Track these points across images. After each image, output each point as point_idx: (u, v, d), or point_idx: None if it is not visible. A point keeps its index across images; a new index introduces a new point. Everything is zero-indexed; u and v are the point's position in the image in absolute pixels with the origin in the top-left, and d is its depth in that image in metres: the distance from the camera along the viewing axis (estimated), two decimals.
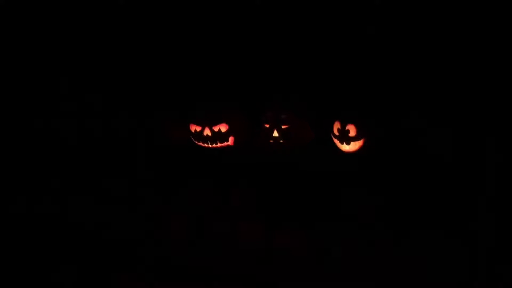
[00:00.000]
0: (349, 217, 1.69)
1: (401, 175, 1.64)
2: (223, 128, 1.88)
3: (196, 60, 1.98)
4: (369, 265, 1.56)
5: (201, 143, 1.94)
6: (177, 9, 1.90)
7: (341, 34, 1.73)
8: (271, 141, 1.84)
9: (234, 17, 1.86)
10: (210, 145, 1.92)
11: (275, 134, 1.82)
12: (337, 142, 1.75)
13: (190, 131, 1.95)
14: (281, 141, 1.82)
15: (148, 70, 2.03)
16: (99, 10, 1.95)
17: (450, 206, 1.57)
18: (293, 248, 1.69)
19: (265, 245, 1.72)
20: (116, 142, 2.10)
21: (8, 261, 1.79)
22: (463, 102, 1.59)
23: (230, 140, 1.91)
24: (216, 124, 1.88)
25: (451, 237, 1.53)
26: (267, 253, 1.70)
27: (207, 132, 1.90)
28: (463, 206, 1.56)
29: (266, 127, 1.84)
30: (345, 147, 1.72)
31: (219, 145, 1.91)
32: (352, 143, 1.70)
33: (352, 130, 1.68)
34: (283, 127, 1.80)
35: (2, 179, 2.04)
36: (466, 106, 1.59)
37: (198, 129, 1.91)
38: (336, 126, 1.72)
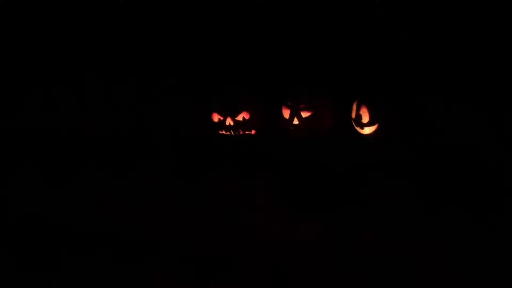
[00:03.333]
0: (372, 205, 1.71)
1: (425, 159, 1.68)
2: (246, 116, 1.96)
3: (217, 49, 2.07)
4: (392, 254, 1.55)
5: (223, 132, 2.01)
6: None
7: (359, 18, 1.81)
8: (292, 128, 1.89)
9: (250, 6, 1.95)
10: (232, 133, 1.99)
11: (296, 122, 1.88)
12: (355, 126, 1.81)
13: (213, 120, 2.02)
14: (301, 128, 1.88)
15: (171, 60, 2.13)
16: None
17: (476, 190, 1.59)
18: (316, 239, 1.69)
19: (287, 236, 1.73)
20: (140, 132, 2.20)
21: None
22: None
23: (252, 131, 1.99)
24: (238, 113, 1.96)
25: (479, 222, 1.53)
26: (289, 244, 1.70)
27: (229, 121, 1.97)
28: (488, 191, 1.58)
29: (286, 115, 1.90)
30: (362, 131, 1.78)
31: (241, 133, 1.98)
32: (366, 128, 1.75)
33: (364, 115, 1.74)
34: (303, 115, 1.86)
35: None
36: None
37: (221, 118, 1.99)
38: (354, 110, 1.79)
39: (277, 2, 1.90)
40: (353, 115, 1.79)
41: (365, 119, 1.74)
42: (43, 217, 2.01)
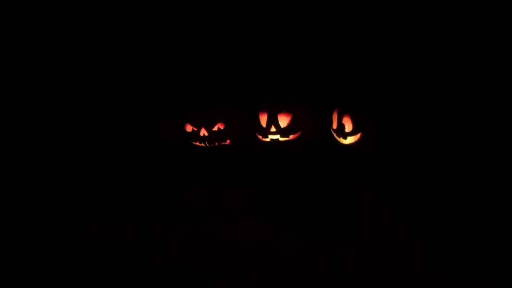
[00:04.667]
0: (352, 214, 1.62)
1: (405, 167, 1.63)
2: (221, 126, 1.84)
3: (191, 58, 1.95)
4: (374, 263, 1.46)
5: (197, 143, 1.89)
6: (175, 7, 1.89)
7: (337, 27, 1.73)
8: (269, 139, 1.79)
9: (229, 14, 1.85)
10: (207, 145, 1.87)
11: (273, 129, 1.77)
12: (336, 136, 1.72)
13: (186, 131, 1.90)
14: (279, 138, 1.77)
15: (143, 68, 2.01)
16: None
17: (457, 198, 1.54)
18: (295, 248, 1.59)
19: (265, 246, 1.62)
20: (111, 143, 2.06)
21: None
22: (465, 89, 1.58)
23: (227, 141, 1.87)
24: (213, 124, 1.84)
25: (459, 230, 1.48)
26: (268, 254, 1.60)
27: (203, 132, 1.85)
28: (470, 197, 1.53)
29: (263, 122, 1.79)
30: (344, 141, 1.70)
31: (216, 144, 1.86)
32: (349, 137, 1.67)
33: (347, 124, 1.65)
34: (280, 123, 1.76)
35: None
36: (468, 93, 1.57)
37: (195, 129, 1.87)
38: (334, 120, 1.70)
39: (253, 7, 1.80)
40: (335, 125, 1.69)
41: (348, 128, 1.65)
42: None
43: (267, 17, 1.80)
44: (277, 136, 1.77)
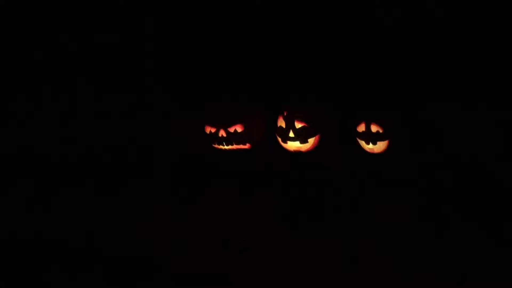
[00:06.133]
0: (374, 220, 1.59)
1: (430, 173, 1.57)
2: (239, 128, 1.80)
3: (210, 59, 1.90)
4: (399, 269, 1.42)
5: (216, 145, 1.86)
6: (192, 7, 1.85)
7: (359, 29, 1.64)
8: (290, 148, 1.74)
9: (248, 14, 1.79)
10: (225, 147, 1.84)
11: (291, 134, 1.70)
12: (361, 142, 1.64)
13: (206, 133, 1.88)
14: (298, 142, 1.71)
15: (161, 70, 1.99)
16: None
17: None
18: (316, 256, 1.56)
19: (286, 254, 1.61)
20: (133, 145, 2.09)
21: None
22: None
23: (247, 144, 1.83)
24: (230, 124, 1.79)
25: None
26: (288, 262, 1.58)
27: (222, 133, 1.82)
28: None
29: (282, 128, 1.73)
30: (370, 147, 1.62)
31: (235, 147, 1.83)
32: (378, 143, 1.58)
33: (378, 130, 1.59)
34: (297, 126, 1.69)
35: None
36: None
37: (213, 130, 1.84)
38: (361, 126, 1.61)
39: (273, 9, 1.74)
40: (359, 129, 1.62)
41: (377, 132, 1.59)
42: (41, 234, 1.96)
43: (292, 20, 1.74)
44: (296, 143, 1.71)
